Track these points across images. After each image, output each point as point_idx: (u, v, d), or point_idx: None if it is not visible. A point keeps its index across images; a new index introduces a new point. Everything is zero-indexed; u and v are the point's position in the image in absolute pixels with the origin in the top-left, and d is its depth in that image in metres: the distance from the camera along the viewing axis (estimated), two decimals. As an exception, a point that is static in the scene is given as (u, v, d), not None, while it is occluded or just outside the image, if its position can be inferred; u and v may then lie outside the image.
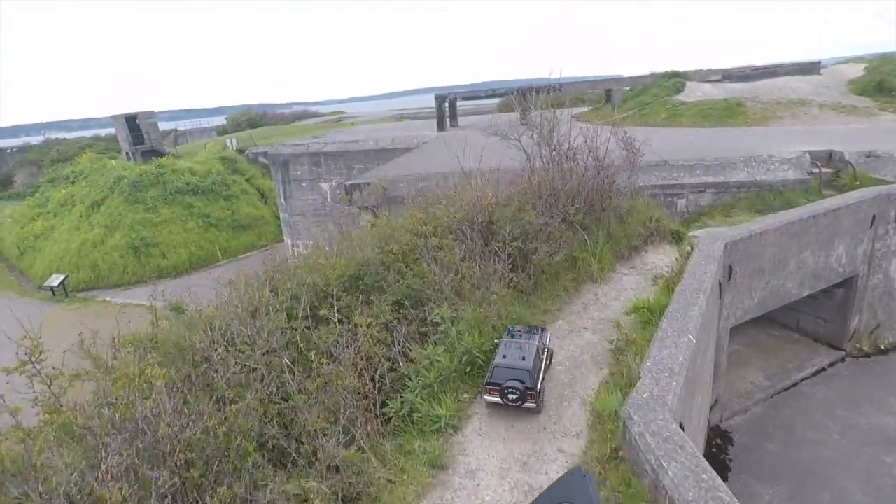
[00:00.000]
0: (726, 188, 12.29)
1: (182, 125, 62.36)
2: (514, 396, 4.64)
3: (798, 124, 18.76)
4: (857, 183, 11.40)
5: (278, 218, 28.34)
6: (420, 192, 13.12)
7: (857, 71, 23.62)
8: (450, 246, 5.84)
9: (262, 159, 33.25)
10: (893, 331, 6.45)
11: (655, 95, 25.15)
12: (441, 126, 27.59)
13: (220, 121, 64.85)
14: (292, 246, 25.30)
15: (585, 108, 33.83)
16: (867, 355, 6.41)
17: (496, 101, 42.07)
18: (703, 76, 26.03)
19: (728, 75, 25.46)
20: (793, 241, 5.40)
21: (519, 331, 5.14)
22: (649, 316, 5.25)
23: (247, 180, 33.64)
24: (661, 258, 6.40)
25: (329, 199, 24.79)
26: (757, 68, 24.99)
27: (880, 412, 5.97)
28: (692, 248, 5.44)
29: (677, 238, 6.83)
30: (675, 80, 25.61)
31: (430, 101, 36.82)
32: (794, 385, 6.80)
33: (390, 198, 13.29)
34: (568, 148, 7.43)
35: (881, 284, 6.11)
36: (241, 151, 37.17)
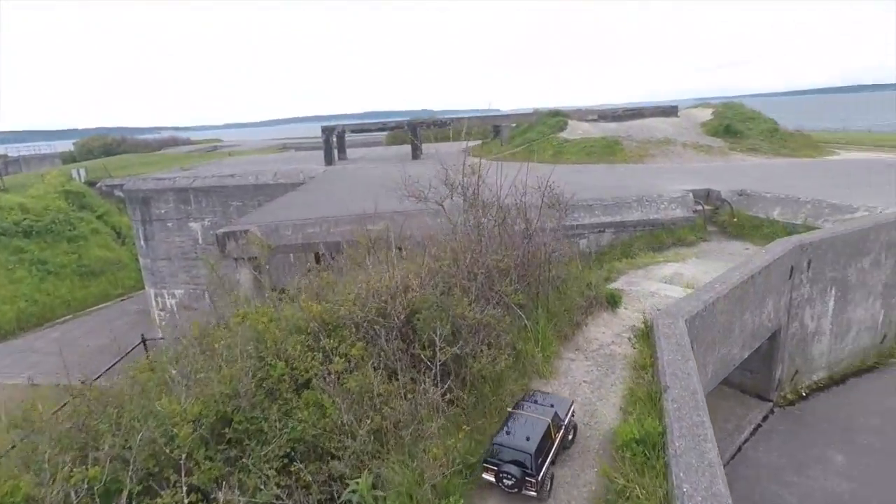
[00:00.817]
0: (624, 227, 12.46)
1: (14, 150, 52.80)
2: (510, 483, 3.98)
3: (669, 162, 20.31)
4: (735, 220, 12.15)
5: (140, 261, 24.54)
6: (308, 239, 11.62)
7: (707, 115, 26.53)
8: (360, 357, 4.49)
9: (118, 192, 28.94)
10: (809, 374, 6.36)
11: (541, 133, 26.11)
12: (329, 160, 26.08)
13: (66, 146, 56.09)
14: (156, 296, 21.85)
15: (474, 143, 34.44)
16: (791, 403, 6.26)
17: (385, 133, 41.54)
18: (582, 115, 27.64)
19: (603, 115, 27.30)
20: (737, 306, 5.04)
21: (535, 400, 4.38)
22: (644, 456, 4.04)
23: (98, 217, 29.02)
24: (602, 331, 5.77)
25: (201, 241, 21.92)
26: (627, 110, 27.12)
27: (828, 473, 5.94)
28: (649, 327, 4.83)
29: (613, 302, 6.33)
30: (558, 119, 26.86)
31: (315, 130, 35.17)
32: (739, 450, 6.63)
33: (274, 246, 11.61)
34: (498, 211, 6.44)
35: (798, 332, 5.96)
36: (91, 184, 32.14)
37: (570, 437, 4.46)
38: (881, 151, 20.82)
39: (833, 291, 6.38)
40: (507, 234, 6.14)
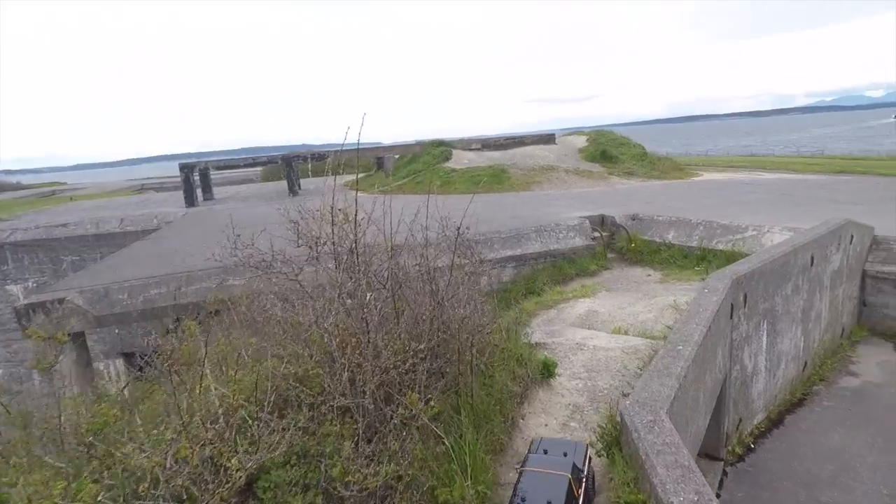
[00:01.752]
0: (525, 260, 11.61)
1: None
2: None
3: (555, 188, 20.41)
4: (633, 245, 11.87)
5: (-66, 341, 19.15)
6: (151, 303, 9.16)
7: (582, 141, 27.67)
8: None
9: None
10: (750, 419, 5.59)
11: (426, 163, 25.33)
12: (191, 201, 22.84)
13: None
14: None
15: (352, 176, 32.84)
16: (741, 458, 5.44)
17: (260, 168, 38.37)
18: (465, 145, 27.43)
19: (487, 144, 27.33)
20: (701, 368, 4.03)
21: (544, 450, 3.43)
22: None
23: None
24: (543, 423, 4.42)
25: (19, 310, 17.55)
26: (509, 138, 27.43)
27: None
28: (618, 429, 3.56)
29: (546, 372, 5.10)
30: (443, 149, 26.33)
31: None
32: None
33: (103, 317, 8.96)
34: (389, 279, 4.62)
35: (739, 376, 5.16)
36: None
37: (593, 489, 3.46)
38: (732, 172, 22.87)
39: (765, 325, 5.73)
40: (407, 305, 4.60)
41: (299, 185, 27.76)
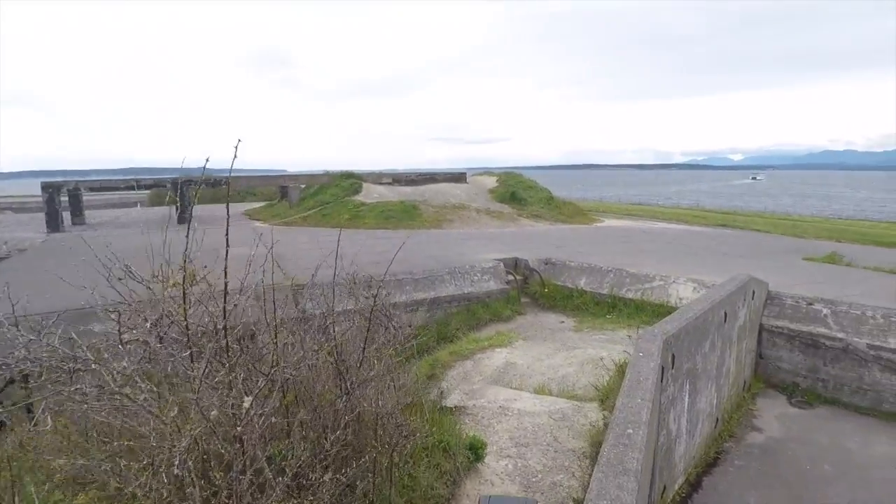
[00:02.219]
0: (438, 304, 10.96)
1: None
2: None
3: (467, 227, 20.26)
4: (546, 290, 11.70)
5: None
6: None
7: (492, 182, 28.16)
8: None
9: None
10: (672, 484, 5.25)
11: (335, 195, 24.24)
12: (54, 225, 19.71)
13: None
14: None
15: (258, 205, 30.77)
16: (668, 533, 5.00)
17: (147, 192, 34.68)
18: (376, 178, 26.77)
19: (398, 179, 26.86)
20: (648, 451, 3.53)
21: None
22: None
23: None
24: None
25: None
26: (421, 174, 27.21)
27: None
28: None
29: (474, 455, 4.33)
30: (353, 181, 25.42)
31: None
32: None
33: None
34: (274, 365, 3.52)
35: (665, 441, 4.74)
36: None
37: None
38: (631, 220, 24.33)
39: (687, 385, 5.51)
40: (302, 405, 3.60)
41: (191, 213, 25.26)
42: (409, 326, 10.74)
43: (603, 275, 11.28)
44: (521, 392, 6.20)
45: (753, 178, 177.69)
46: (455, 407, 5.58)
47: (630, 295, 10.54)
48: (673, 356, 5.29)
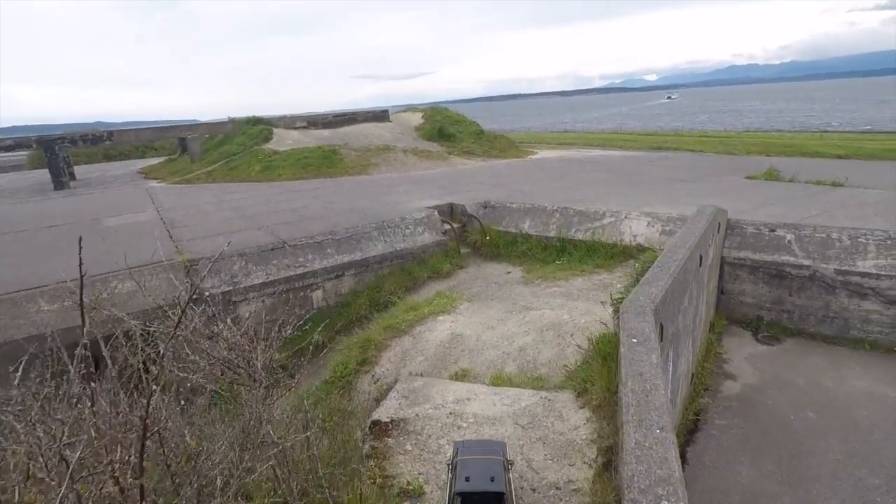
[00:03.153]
0: (367, 266, 9.46)
1: None
2: None
3: (394, 171, 18.47)
4: (488, 238, 10.47)
5: None
6: None
7: (418, 119, 26.11)
8: None
9: None
10: None
11: (242, 144, 21.39)
12: None
13: None
14: None
15: (156, 160, 27.07)
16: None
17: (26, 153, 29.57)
18: (289, 123, 23.94)
19: (313, 122, 24.17)
20: None
21: (475, 444, 3.50)
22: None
23: None
24: None
25: None
26: (338, 115, 24.61)
27: None
28: None
29: None
30: (262, 128, 22.55)
31: None
32: None
33: None
34: None
35: None
36: None
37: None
38: (564, 149, 23.38)
39: (672, 352, 4.45)
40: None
41: (72, 175, 21.58)
42: (336, 295, 9.26)
43: (548, 215, 10.15)
44: (474, 386, 4.98)
45: (669, 98, 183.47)
46: (392, 422, 4.27)
47: (580, 236, 9.51)
48: (662, 326, 4.21)
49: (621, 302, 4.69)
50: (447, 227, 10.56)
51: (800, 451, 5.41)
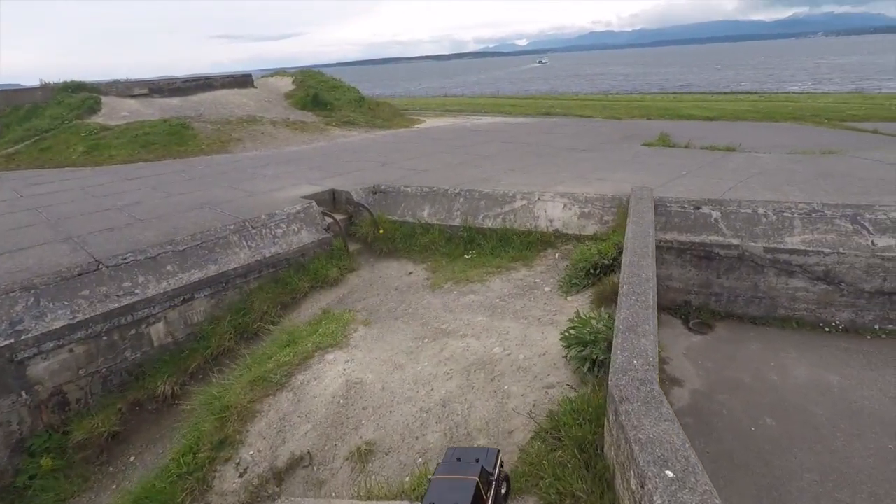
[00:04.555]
0: (227, 282, 7.27)
1: None
2: None
3: (262, 147, 15.72)
4: (381, 231, 8.73)
5: None
6: None
7: (288, 84, 23.03)
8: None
9: None
10: None
11: (58, 118, 16.98)
12: None
13: None
14: None
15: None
16: None
17: None
18: (125, 90, 19.62)
19: (157, 88, 20.04)
20: None
21: (456, 458, 3.22)
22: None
23: None
24: None
25: None
26: (188, 80, 20.68)
27: None
28: None
29: None
30: (86, 97, 18.13)
31: None
32: None
33: None
34: None
35: None
36: None
37: (504, 491, 3.30)
38: (452, 116, 21.97)
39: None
40: None
41: None
42: (186, 326, 7.04)
43: (451, 200, 8.65)
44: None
45: (540, 62, 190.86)
46: None
47: (489, 223, 8.16)
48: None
49: (574, 342, 3.36)
50: (330, 220, 8.61)
51: (774, 475, 4.64)
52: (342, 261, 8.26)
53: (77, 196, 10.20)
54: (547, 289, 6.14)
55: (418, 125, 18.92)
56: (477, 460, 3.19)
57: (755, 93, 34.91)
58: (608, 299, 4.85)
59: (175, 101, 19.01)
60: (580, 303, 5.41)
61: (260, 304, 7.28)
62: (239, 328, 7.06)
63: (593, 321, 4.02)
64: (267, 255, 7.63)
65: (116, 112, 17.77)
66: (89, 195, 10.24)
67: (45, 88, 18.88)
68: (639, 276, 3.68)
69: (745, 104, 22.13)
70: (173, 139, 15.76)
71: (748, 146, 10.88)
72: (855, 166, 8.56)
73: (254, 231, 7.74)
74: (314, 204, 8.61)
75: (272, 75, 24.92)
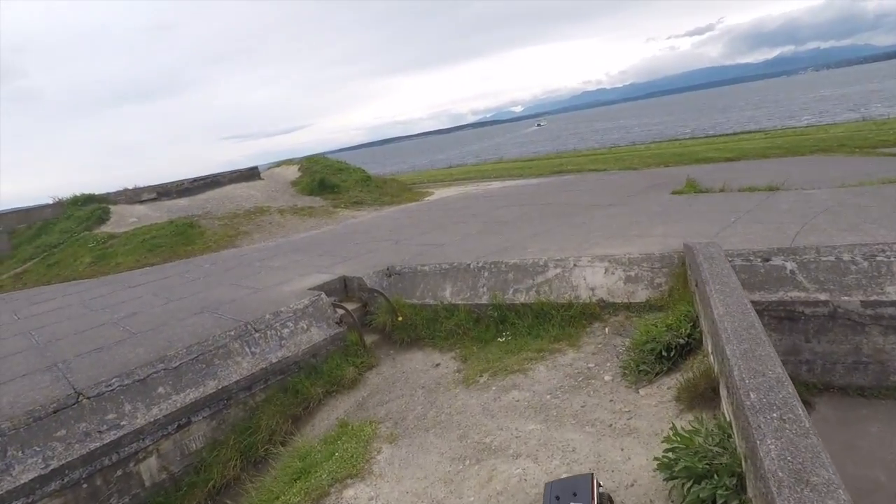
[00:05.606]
0: (228, 398, 6.29)
1: None
2: None
3: (270, 238, 15.22)
4: (400, 318, 7.77)
5: None
6: None
7: (294, 172, 23.12)
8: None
9: None
10: None
11: (67, 231, 16.85)
12: None
13: None
14: None
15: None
16: None
17: None
18: (133, 196, 19.70)
19: (166, 191, 20.12)
20: None
21: (558, 497, 3.07)
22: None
23: None
24: None
25: None
26: (196, 180, 20.80)
27: None
28: None
29: None
30: (95, 207, 18.13)
31: None
32: None
33: None
34: None
35: None
36: None
37: None
38: (460, 185, 21.61)
39: None
40: None
41: None
42: (183, 456, 6.02)
43: (474, 275, 7.73)
44: None
45: (539, 125, 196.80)
46: None
47: (521, 298, 7.17)
48: None
49: (683, 474, 2.28)
50: (342, 312, 7.70)
51: None
52: (359, 357, 7.25)
53: (74, 312, 9.50)
54: (607, 378, 5.03)
55: (427, 197, 18.46)
56: (575, 494, 3.08)
57: (762, 131, 34.56)
58: (702, 396, 3.74)
59: (183, 201, 18.94)
60: (659, 398, 4.29)
61: (268, 421, 6.23)
62: (245, 451, 5.99)
63: (699, 438, 2.93)
64: (273, 361, 6.67)
65: (125, 219, 17.64)
66: (87, 309, 9.54)
67: (56, 204, 18.98)
68: (765, 375, 2.63)
69: (763, 141, 21.48)
70: (179, 239, 15.37)
71: (791, 184, 9.95)
72: (930, 192, 7.53)
73: (257, 335, 6.83)
74: (323, 295, 7.74)
75: (278, 165, 25.17)
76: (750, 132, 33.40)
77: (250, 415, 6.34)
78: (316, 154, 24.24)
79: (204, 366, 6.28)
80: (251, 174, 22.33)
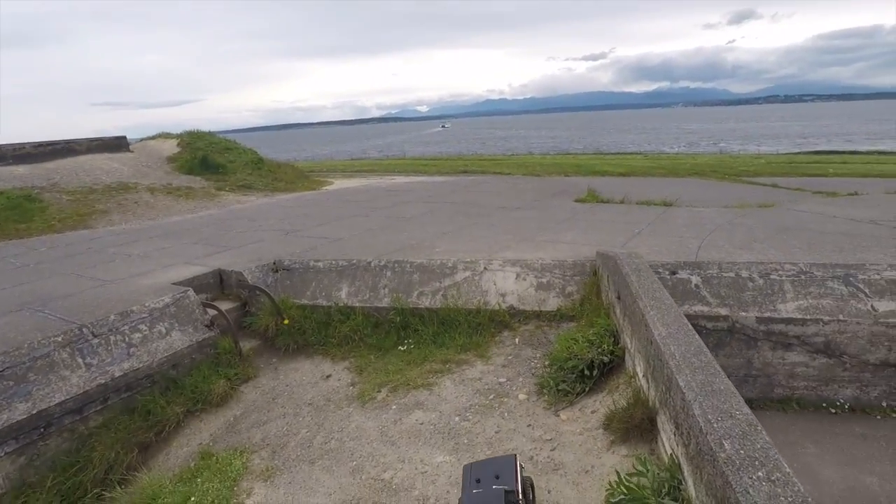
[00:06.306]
0: (48, 424, 4.85)
1: None
2: None
3: (133, 220, 13.05)
4: (286, 321, 6.72)
5: None
6: None
7: (172, 147, 20.44)
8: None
9: None
10: None
11: None
12: None
13: None
14: None
15: None
16: None
17: None
18: (-47, 157, 15.98)
19: (0, 155, 16.59)
20: None
21: (476, 479, 2.92)
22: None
23: None
24: None
25: None
26: (42, 144, 17.44)
27: None
28: None
29: None
30: None
31: None
32: None
33: None
34: None
35: None
36: None
37: (531, 496, 3.02)
38: (362, 177, 20.52)
39: None
40: None
41: None
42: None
43: (375, 274, 6.92)
44: None
45: (443, 127, 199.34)
46: None
47: (426, 302, 6.50)
48: None
49: None
50: (214, 313, 6.47)
51: None
52: (232, 368, 6.09)
53: None
54: (522, 396, 4.52)
55: (326, 187, 17.17)
56: (497, 476, 2.94)
57: (642, 153, 37.55)
58: (638, 427, 3.32)
59: (21, 169, 15.74)
60: (583, 425, 3.83)
61: (104, 452, 4.91)
62: (67, 495, 4.63)
63: (645, 485, 2.44)
64: (117, 375, 5.31)
65: (-60, 184, 14.20)
66: None
67: None
68: (733, 416, 2.20)
69: (647, 161, 23.04)
70: (14, 216, 12.63)
71: (682, 201, 10.41)
72: (804, 220, 8.10)
73: (96, 341, 5.42)
74: (191, 292, 6.44)
75: (153, 138, 22.15)
76: (632, 153, 36.12)
77: (79, 446, 4.95)
78: (203, 131, 21.66)
79: (12, 383, 4.78)
80: (117, 144, 19.30)
